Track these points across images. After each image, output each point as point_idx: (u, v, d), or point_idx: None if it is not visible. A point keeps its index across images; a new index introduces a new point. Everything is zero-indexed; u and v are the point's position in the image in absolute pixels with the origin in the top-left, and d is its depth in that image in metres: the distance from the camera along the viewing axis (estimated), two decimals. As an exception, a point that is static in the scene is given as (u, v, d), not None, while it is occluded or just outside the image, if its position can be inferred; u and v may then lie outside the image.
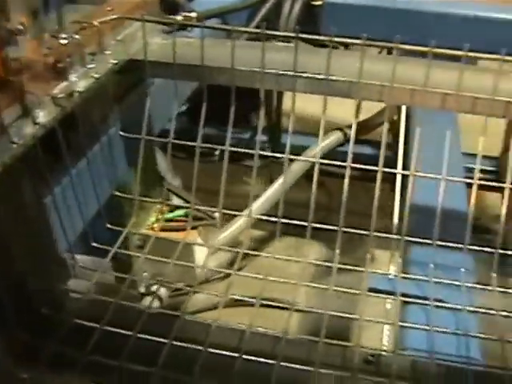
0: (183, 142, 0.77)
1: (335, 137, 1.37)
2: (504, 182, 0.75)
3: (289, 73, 0.72)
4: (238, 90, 0.76)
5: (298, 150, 1.08)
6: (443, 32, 1.33)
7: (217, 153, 1.39)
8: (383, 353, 0.67)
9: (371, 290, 0.77)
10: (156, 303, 1.06)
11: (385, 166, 0.78)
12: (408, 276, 0.77)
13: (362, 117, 1.63)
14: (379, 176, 0.73)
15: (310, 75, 0.72)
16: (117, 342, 0.63)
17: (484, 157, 1.60)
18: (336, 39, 0.70)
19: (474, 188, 0.74)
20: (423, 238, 0.77)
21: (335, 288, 0.72)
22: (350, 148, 0.74)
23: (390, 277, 0.78)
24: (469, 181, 0.75)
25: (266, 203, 1.28)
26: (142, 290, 1.06)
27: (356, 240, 0.86)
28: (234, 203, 0.86)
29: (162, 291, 1.08)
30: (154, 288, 1.07)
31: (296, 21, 1.24)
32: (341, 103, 0.80)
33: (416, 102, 0.74)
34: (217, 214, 1.20)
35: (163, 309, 0.97)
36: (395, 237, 0.75)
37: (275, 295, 0.76)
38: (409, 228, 0.89)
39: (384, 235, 0.74)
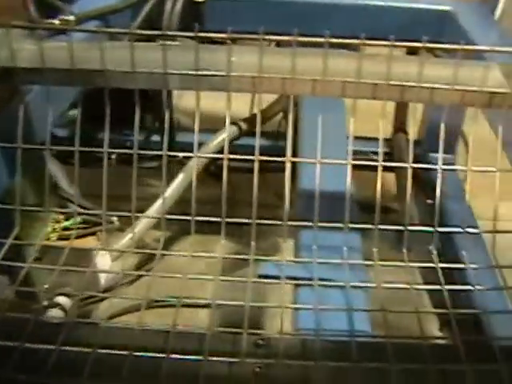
0: (61, 148, 0.76)
1: (229, 131, 1.39)
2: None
3: (158, 71, 0.73)
4: (131, 92, 0.76)
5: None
6: (328, 21, 1.38)
7: (113, 157, 1.38)
8: (273, 335, 0.68)
9: (263, 276, 0.79)
10: (60, 314, 1.05)
11: (282, 155, 0.80)
12: (297, 260, 0.79)
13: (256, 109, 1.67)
14: (256, 165, 0.74)
15: (180, 72, 0.73)
16: (3, 354, 0.63)
17: (377, 139, 1.66)
18: (201, 34, 0.71)
19: (349, 168, 0.77)
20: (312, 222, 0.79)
21: (222, 278, 0.73)
22: (226, 141, 0.75)
23: (280, 262, 0.80)
24: (341, 162, 0.77)
25: (165, 202, 1.28)
26: (45, 302, 1.05)
27: (265, 231, 0.87)
28: (136, 206, 0.86)
29: (65, 301, 1.07)
30: (58, 299, 1.06)
31: (179, 18, 1.25)
32: (235, 97, 0.81)
33: (287, 90, 0.76)
34: (115, 218, 1.20)
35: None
36: (278, 223, 0.76)
37: (183, 293, 0.76)
38: (299, 213, 0.91)
39: (266, 222, 0.76)
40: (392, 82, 0.75)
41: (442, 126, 0.78)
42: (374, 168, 0.81)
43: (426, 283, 0.84)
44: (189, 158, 1.34)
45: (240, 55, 0.76)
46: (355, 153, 1.00)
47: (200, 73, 0.73)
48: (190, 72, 0.73)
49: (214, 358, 0.63)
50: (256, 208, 0.75)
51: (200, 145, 1.33)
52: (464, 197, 1.48)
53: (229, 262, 0.94)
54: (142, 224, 1.21)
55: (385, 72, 0.75)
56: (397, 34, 0.72)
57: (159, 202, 1.27)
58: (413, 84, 0.75)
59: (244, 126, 1.44)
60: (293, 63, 0.73)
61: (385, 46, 0.72)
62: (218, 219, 0.75)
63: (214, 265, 1.23)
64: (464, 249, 1.21)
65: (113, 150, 0.76)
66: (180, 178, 1.30)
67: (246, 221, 0.75)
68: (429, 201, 1.43)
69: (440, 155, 0.79)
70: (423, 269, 0.84)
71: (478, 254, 1.31)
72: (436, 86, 0.76)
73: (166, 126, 0.76)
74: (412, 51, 1.07)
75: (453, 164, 1.64)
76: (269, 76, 0.75)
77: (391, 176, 1.73)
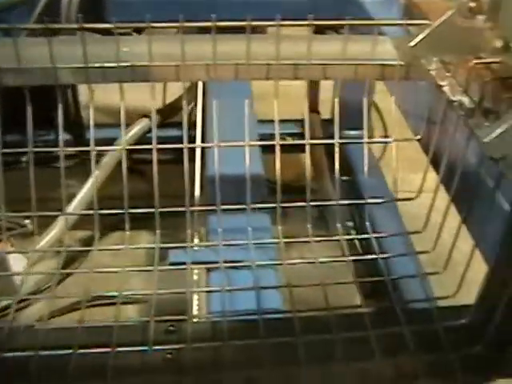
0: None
1: (142, 124, 1.38)
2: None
3: (45, 65, 0.72)
4: (34, 90, 0.74)
5: (108, 143, 1.08)
6: (234, 7, 1.37)
7: (24, 159, 1.35)
8: (184, 321, 0.69)
9: (173, 264, 0.79)
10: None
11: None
12: (201, 244, 0.80)
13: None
14: (154, 153, 0.74)
15: (68, 65, 0.72)
16: None
17: (290, 120, 1.68)
18: (87, 26, 0.70)
19: (247, 150, 0.77)
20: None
21: (128, 269, 0.73)
22: (123, 133, 0.75)
23: (189, 249, 0.80)
24: (239, 144, 0.78)
25: (81, 201, 1.26)
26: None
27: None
28: (52, 207, 0.85)
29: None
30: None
31: (77, 11, 1.22)
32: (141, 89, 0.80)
33: (181, 76, 0.76)
34: (27, 222, 1.18)
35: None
36: (181, 209, 0.77)
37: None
38: (209, 198, 0.92)
39: (169, 210, 0.76)
40: (283, 62, 0.76)
41: (336, 101, 0.80)
42: (288, 150, 0.83)
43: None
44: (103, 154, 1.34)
45: (131, 45, 0.76)
46: (267, 136, 1.01)
47: (90, 65, 0.72)
48: (78, 65, 0.72)
49: (123, 349, 0.63)
50: (158, 197, 0.75)
51: (112, 140, 1.32)
52: (379, 170, 1.52)
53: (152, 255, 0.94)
54: (59, 225, 1.20)
55: (275, 52, 0.75)
56: (301, 15, 0.74)
57: (76, 200, 1.25)
58: (303, 62, 0.76)
59: (156, 117, 1.43)
60: (183, 50, 0.73)
61: (271, 25, 0.73)
62: (121, 211, 0.75)
63: (140, 258, 1.22)
64: (381, 220, 1.24)
65: (6, 151, 0.74)
66: (94, 175, 1.28)
67: (149, 210, 0.75)
68: (344, 177, 1.46)
69: (336, 130, 0.81)
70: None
71: (393, 224, 1.35)
72: (327, 61, 0.77)
73: (60, 122, 0.75)
74: (319, 31, 1.08)
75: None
76: (161, 64, 0.74)
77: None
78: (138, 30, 1.31)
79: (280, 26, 0.73)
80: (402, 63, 0.78)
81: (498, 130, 0.44)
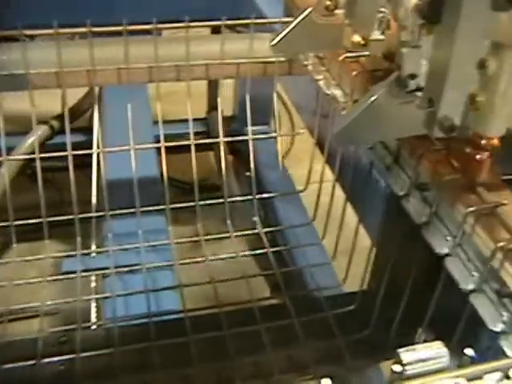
0: None
1: (40, 131, 1.35)
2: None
3: None
4: None
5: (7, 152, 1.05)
6: (127, 8, 1.36)
7: None
8: (76, 330, 0.68)
9: (66, 272, 0.78)
10: None
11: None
12: (89, 251, 0.80)
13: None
14: (38, 162, 0.73)
15: None
16: None
17: (194, 120, 1.67)
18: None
19: (132, 154, 0.77)
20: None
21: (15, 282, 0.72)
22: (2, 141, 0.74)
23: (83, 256, 0.79)
24: (124, 148, 0.77)
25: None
26: None
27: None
28: None
29: None
30: None
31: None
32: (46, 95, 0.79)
33: (61, 83, 0.75)
34: None
35: None
36: (69, 217, 0.76)
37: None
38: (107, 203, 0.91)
39: (56, 219, 0.75)
40: (165, 64, 0.76)
41: (219, 100, 0.81)
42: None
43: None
44: None
45: (8, 53, 0.75)
46: (173, 136, 1.00)
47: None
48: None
49: (10, 366, 0.62)
50: (44, 206, 0.74)
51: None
52: (279, 165, 1.54)
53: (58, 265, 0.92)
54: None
55: (155, 55, 0.75)
56: (199, 16, 0.74)
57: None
58: (183, 63, 0.76)
59: (56, 124, 1.41)
60: (59, 57, 0.72)
61: (148, 29, 0.73)
62: (5, 224, 0.74)
63: (48, 269, 1.20)
64: (284, 214, 1.26)
65: None
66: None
67: (36, 221, 0.74)
68: (247, 173, 1.47)
69: (220, 127, 0.82)
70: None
71: (297, 217, 1.37)
72: (208, 61, 0.78)
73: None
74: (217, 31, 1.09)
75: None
76: (39, 71, 0.73)
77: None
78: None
79: (156, 29, 0.73)
80: (282, 59, 0.80)
81: (344, 122, 0.46)
